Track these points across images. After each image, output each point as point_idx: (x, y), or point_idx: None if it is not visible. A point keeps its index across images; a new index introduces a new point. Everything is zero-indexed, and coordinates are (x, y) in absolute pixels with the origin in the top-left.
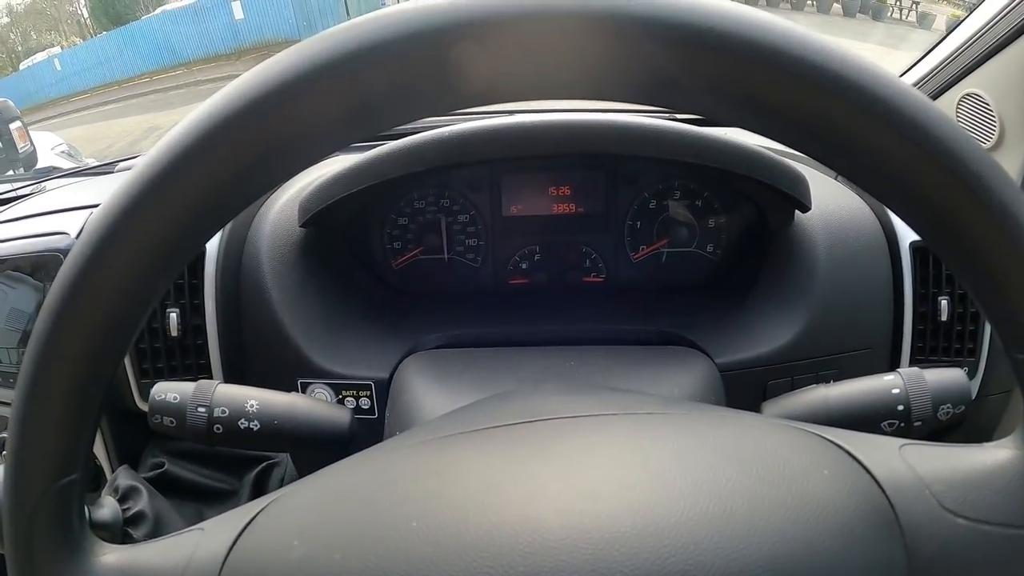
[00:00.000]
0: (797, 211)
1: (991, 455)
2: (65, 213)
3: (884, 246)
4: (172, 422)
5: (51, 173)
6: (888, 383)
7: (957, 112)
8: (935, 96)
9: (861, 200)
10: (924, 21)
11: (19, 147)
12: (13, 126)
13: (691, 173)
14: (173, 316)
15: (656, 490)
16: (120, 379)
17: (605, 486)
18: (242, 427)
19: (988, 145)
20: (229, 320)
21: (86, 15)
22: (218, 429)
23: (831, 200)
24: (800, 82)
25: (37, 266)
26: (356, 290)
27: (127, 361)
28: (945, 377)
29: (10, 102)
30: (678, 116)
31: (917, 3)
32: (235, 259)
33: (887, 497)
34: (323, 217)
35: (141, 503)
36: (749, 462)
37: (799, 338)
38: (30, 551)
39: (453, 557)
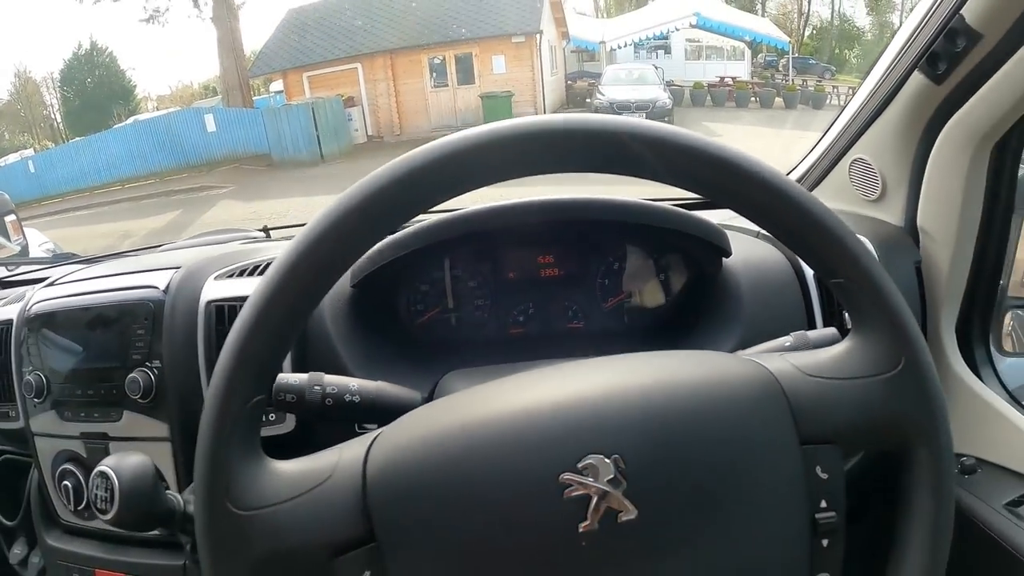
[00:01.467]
0: (724, 258)
1: (836, 346)
2: (148, 273)
3: (795, 280)
4: (293, 397)
5: (70, 258)
6: (783, 339)
7: (850, 174)
8: (834, 164)
9: (775, 248)
10: None
11: (13, 239)
12: (8, 219)
13: (640, 239)
14: None
15: (612, 380)
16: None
17: (584, 381)
18: (347, 400)
19: (875, 197)
20: (298, 355)
21: (59, 119)
22: (329, 402)
23: (752, 250)
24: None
25: (125, 312)
26: (390, 338)
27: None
28: (821, 332)
29: (5, 195)
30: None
31: (853, 90)
32: None
33: (772, 374)
34: (368, 280)
35: None
36: (679, 359)
37: None
38: (222, 460)
39: (511, 423)
